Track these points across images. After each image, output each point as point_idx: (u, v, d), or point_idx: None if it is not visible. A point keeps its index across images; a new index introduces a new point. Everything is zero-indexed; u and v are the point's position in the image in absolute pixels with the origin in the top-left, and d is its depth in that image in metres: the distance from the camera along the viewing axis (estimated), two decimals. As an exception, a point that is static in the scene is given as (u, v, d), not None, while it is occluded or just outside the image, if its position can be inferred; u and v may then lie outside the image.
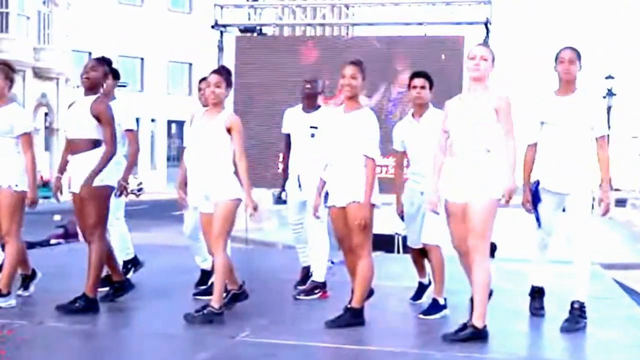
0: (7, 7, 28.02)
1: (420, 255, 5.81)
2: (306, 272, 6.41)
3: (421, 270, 5.94)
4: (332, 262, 6.56)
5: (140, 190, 32.62)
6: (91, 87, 5.31)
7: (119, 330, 5.04)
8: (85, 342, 4.88)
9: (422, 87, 5.57)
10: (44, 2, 30.31)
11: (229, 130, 5.08)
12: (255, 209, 5.03)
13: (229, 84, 5.19)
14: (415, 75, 5.67)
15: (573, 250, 5.14)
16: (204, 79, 5.69)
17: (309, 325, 5.14)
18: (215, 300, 5.02)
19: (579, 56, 5.19)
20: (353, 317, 5.02)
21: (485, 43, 4.51)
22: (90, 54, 35.57)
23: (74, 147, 5.32)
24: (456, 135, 4.75)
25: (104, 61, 5.50)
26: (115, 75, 6.31)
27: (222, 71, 5.24)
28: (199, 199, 5.21)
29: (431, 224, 5.39)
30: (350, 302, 5.06)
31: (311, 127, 6.01)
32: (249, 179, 5.10)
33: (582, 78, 5.24)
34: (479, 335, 4.64)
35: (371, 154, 4.96)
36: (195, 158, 5.16)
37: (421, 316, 5.45)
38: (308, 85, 6.19)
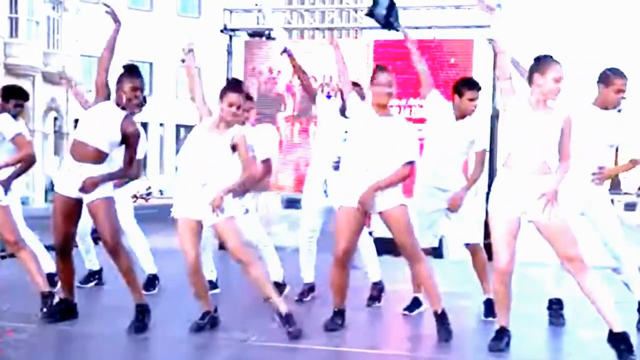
0: (16, 12, 28.10)
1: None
2: (309, 288, 6.27)
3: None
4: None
5: (149, 194, 32.72)
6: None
7: (128, 334, 5.02)
8: (92, 345, 4.87)
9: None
10: (53, 7, 30.40)
11: (234, 147, 4.83)
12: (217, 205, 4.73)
13: (248, 97, 5.05)
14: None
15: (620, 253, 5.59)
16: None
17: (320, 328, 5.12)
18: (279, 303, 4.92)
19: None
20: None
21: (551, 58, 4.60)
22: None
23: (82, 152, 4.97)
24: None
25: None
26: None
27: (240, 88, 4.96)
28: (189, 206, 4.88)
29: (471, 223, 5.45)
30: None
31: (346, 132, 5.44)
32: (246, 184, 4.96)
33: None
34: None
35: (413, 158, 4.93)
36: (194, 170, 4.85)
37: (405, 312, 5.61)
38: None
